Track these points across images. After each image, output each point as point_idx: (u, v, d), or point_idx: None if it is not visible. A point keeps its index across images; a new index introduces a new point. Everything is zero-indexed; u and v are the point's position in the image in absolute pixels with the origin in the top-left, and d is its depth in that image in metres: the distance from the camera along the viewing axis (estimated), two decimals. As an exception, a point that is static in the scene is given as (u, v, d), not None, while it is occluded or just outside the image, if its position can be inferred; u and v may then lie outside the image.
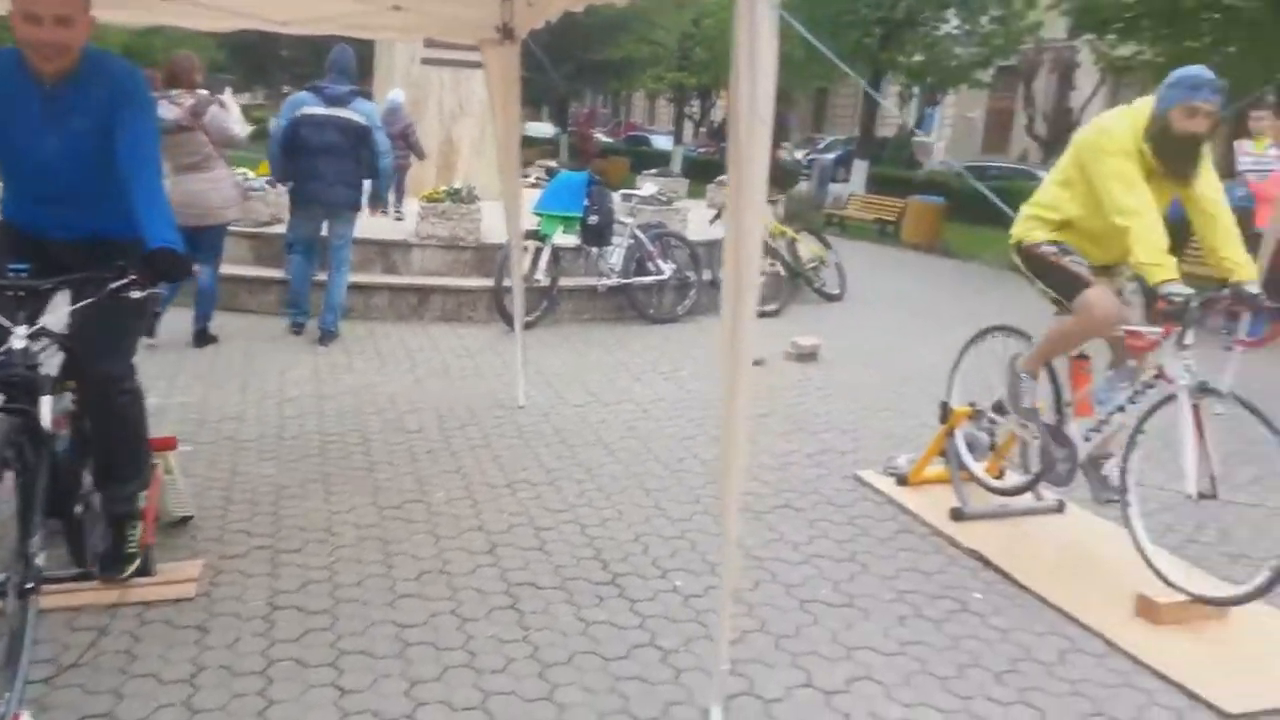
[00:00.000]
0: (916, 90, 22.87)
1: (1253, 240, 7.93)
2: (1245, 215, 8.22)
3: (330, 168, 6.17)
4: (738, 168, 2.39)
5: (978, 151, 30.04)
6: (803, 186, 20.99)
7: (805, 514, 4.17)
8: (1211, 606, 3.34)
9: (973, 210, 17.95)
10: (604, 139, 29.21)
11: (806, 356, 6.83)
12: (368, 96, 6.78)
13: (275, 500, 3.99)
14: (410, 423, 5.04)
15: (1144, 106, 3.49)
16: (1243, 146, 8.63)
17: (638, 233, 7.70)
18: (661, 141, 31.31)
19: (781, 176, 19.38)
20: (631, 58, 26.45)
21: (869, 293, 10.03)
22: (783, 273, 8.77)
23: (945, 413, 4.34)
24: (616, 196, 8.42)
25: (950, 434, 4.34)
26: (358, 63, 6.48)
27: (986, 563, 3.76)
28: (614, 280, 7.51)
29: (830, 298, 9.35)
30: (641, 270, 7.73)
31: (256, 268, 7.47)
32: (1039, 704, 2.86)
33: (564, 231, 7.19)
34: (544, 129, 32.92)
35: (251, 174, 8.06)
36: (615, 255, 7.56)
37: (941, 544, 3.94)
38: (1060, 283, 3.72)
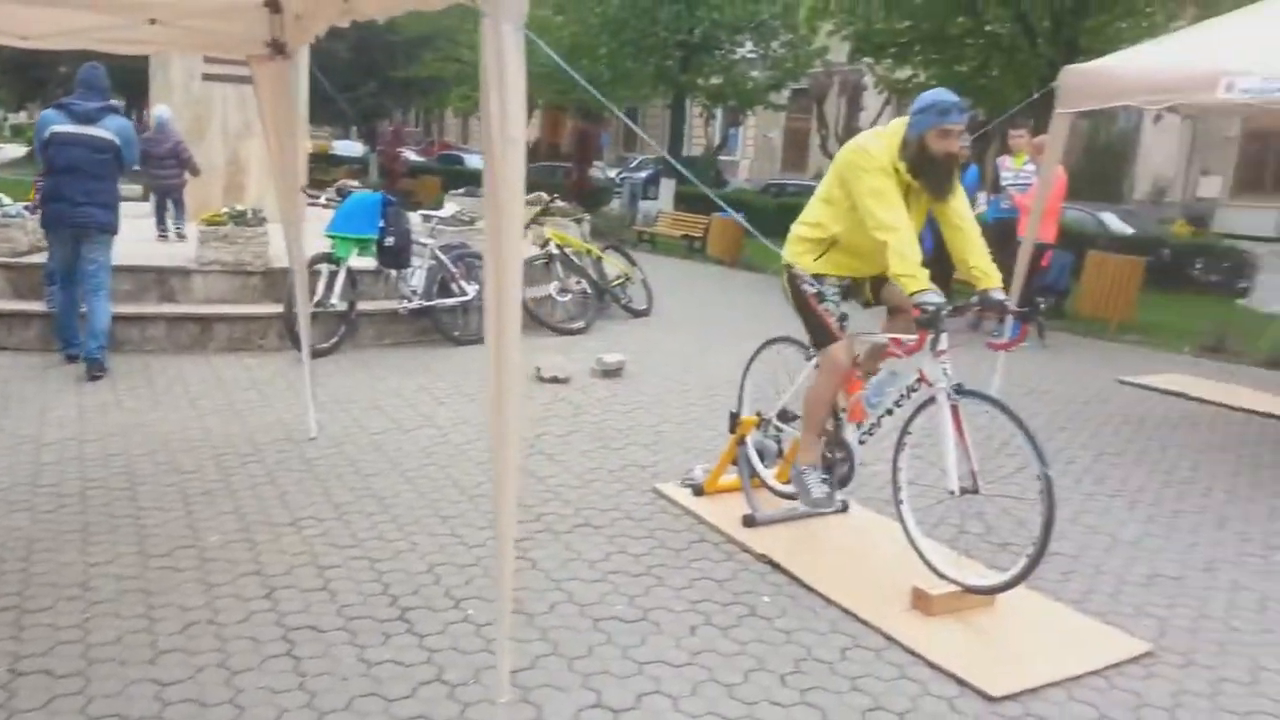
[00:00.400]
0: (718, 112, 23.64)
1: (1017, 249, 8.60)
2: (1011, 226, 8.94)
3: (78, 188, 5.76)
4: (494, 190, 2.36)
5: (777, 170, 31.37)
6: (615, 205, 21.35)
7: (604, 531, 4.17)
8: (979, 595, 3.56)
9: (771, 224, 18.74)
10: (415, 158, 28.63)
11: (612, 373, 6.87)
12: (121, 112, 6.34)
13: (26, 555, 3.63)
14: (185, 462, 4.71)
15: (897, 128, 3.71)
16: (1004, 163, 9.37)
17: (439, 253, 7.55)
18: (475, 160, 31.01)
19: (592, 195, 19.70)
20: (439, 76, 26.08)
21: (676, 307, 10.23)
22: (589, 290, 8.81)
23: (734, 423, 4.45)
24: (416, 217, 8.23)
25: (740, 443, 4.45)
26: (132, 79, 6.06)
27: (776, 566, 3.87)
28: (416, 303, 7.32)
29: (638, 313, 9.47)
30: (445, 292, 7.57)
31: (15, 301, 6.83)
32: (820, 703, 2.95)
33: (360, 254, 6.95)
34: (353, 148, 31.94)
35: (7, 200, 7.38)
36: (416, 277, 7.37)
37: (734, 551, 4.03)
38: (813, 327, 3.94)
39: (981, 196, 9.58)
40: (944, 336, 3.60)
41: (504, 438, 2.50)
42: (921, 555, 3.71)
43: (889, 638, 3.35)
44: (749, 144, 35.21)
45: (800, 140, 31.26)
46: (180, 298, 7.03)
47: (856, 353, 3.95)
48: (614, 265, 9.56)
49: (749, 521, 4.24)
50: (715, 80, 18.22)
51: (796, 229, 4.04)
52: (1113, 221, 15.75)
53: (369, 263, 7.22)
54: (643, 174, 23.10)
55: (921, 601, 3.55)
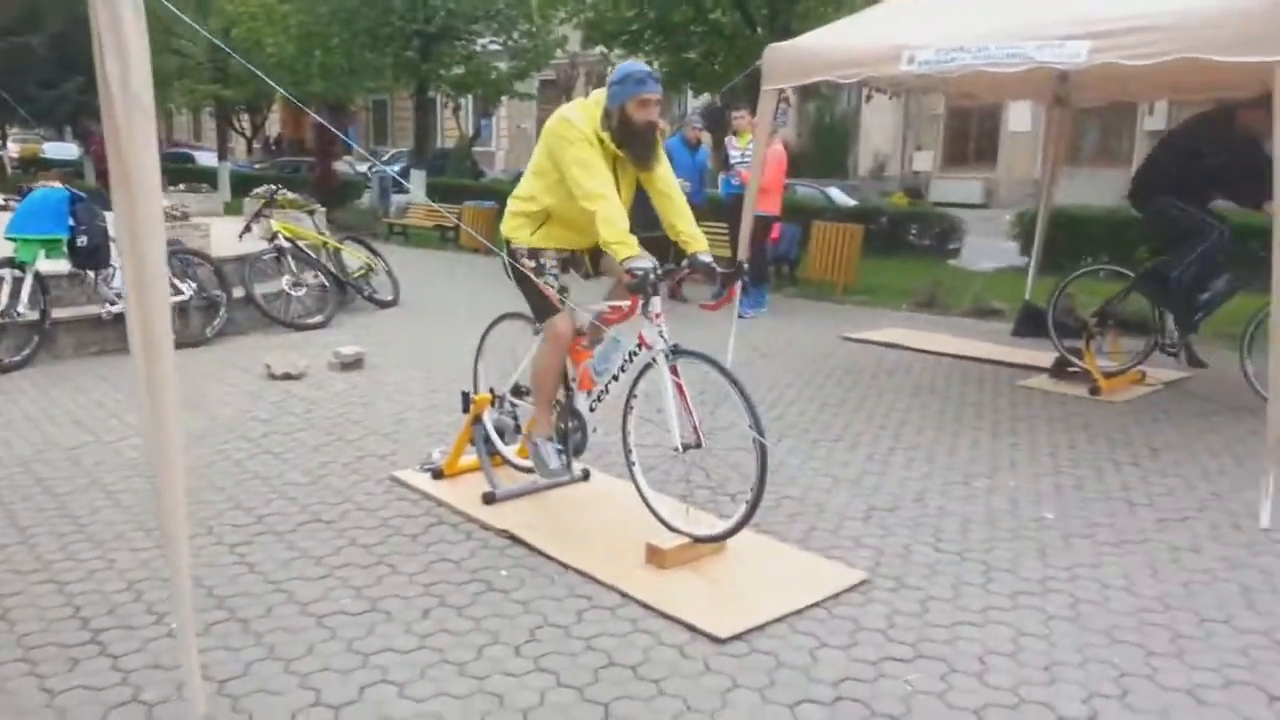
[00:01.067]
0: (463, 102, 23.29)
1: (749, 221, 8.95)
2: (741, 201, 9.32)
3: None
4: (121, 160, 2.12)
5: (533, 159, 31.33)
6: (367, 198, 20.54)
7: (334, 525, 3.95)
8: (708, 544, 3.66)
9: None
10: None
11: (351, 365, 6.57)
12: None
13: None
14: None
15: (599, 99, 3.73)
16: (731, 143, 9.76)
17: (144, 251, 6.90)
18: (208, 158, 29.01)
19: (337, 190, 18.86)
20: (159, 70, 24.00)
21: (425, 297, 9.96)
22: (327, 284, 8.40)
23: (466, 402, 4.35)
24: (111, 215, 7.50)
25: (476, 422, 4.35)
26: None
27: (515, 540, 3.81)
28: (120, 307, 6.65)
29: (384, 304, 9.14)
30: (157, 293, 6.94)
31: None
32: (554, 667, 2.91)
33: (48, 256, 6.22)
34: (67, 149, 29.07)
35: None
36: (119, 278, 6.70)
37: (474, 530, 3.93)
38: (534, 300, 3.92)
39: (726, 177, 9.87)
40: (656, 300, 3.67)
41: (164, 448, 2.27)
42: (654, 512, 3.77)
43: (625, 595, 3.37)
44: (503, 135, 35.04)
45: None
46: None
47: (579, 323, 3.95)
48: (355, 257, 9.17)
49: (489, 499, 4.15)
50: (458, 70, 17.89)
51: (511, 204, 3.99)
52: (838, 195, 16.90)
53: (63, 265, 6.49)
54: (395, 167, 22.40)
55: (655, 556, 3.60)
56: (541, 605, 3.30)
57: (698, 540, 3.64)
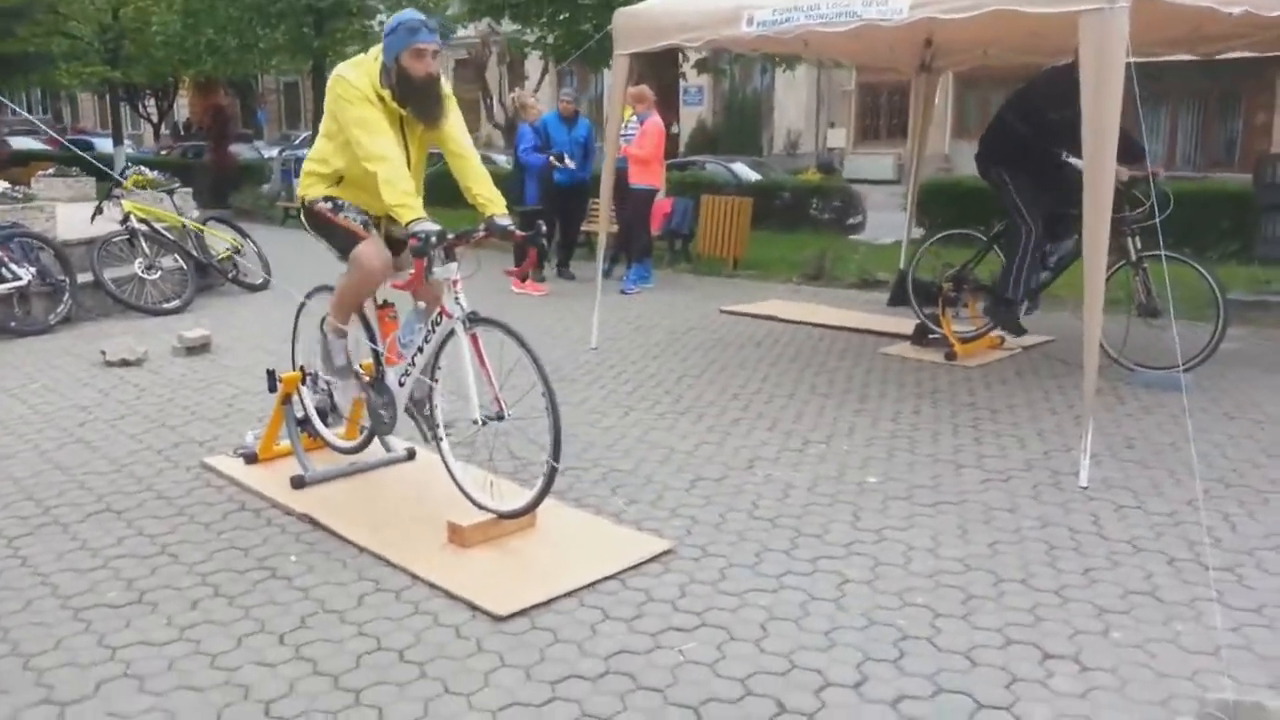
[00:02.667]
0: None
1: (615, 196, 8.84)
2: (624, 175, 9.22)
3: None
4: None
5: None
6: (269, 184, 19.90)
7: (125, 515, 3.75)
8: (513, 519, 3.54)
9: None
10: (34, 145, 25.27)
11: (196, 349, 6.31)
12: None
13: None
14: None
15: (376, 53, 3.56)
16: (616, 114, 9.62)
17: (-30, 235, 6.56)
18: (106, 145, 27.92)
19: (233, 174, 18.24)
20: (44, 51, 23.01)
21: (303, 279, 9.59)
22: (185, 267, 8.07)
23: (273, 381, 4.16)
24: None
25: (286, 401, 4.17)
26: None
27: (315, 524, 3.66)
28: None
29: (253, 288, 8.83)
30: (-6, 278, 6.61)
31: None
32: (316, 654, 2.77)
33: None
34: None
35: None
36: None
37: (275, 516, 3.77)
38: (337, 239, 3.75)
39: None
40: (452, 266, 3.54)
41: None
42: (461, 488, 3.64)
43: (414, 576, 3.24)
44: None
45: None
46: None
47: (387, 259, 3.75)
48: (220, 238, 8.84)
49: (298, 483, 3.98)
50: (353, 48, 17.38)
51: (306, 165, 3.82)
52: (743, 171, 16.86)
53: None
54: (303, 151, 21.72)
55: (456, 535, 3.48)
56: (322, 591, 3.16)
57: (502, 516, 3.53)
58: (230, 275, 8.64)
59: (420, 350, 3.74)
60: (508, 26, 14.24)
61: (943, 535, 3.59)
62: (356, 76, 3.49)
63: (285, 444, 4.28)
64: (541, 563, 3.37)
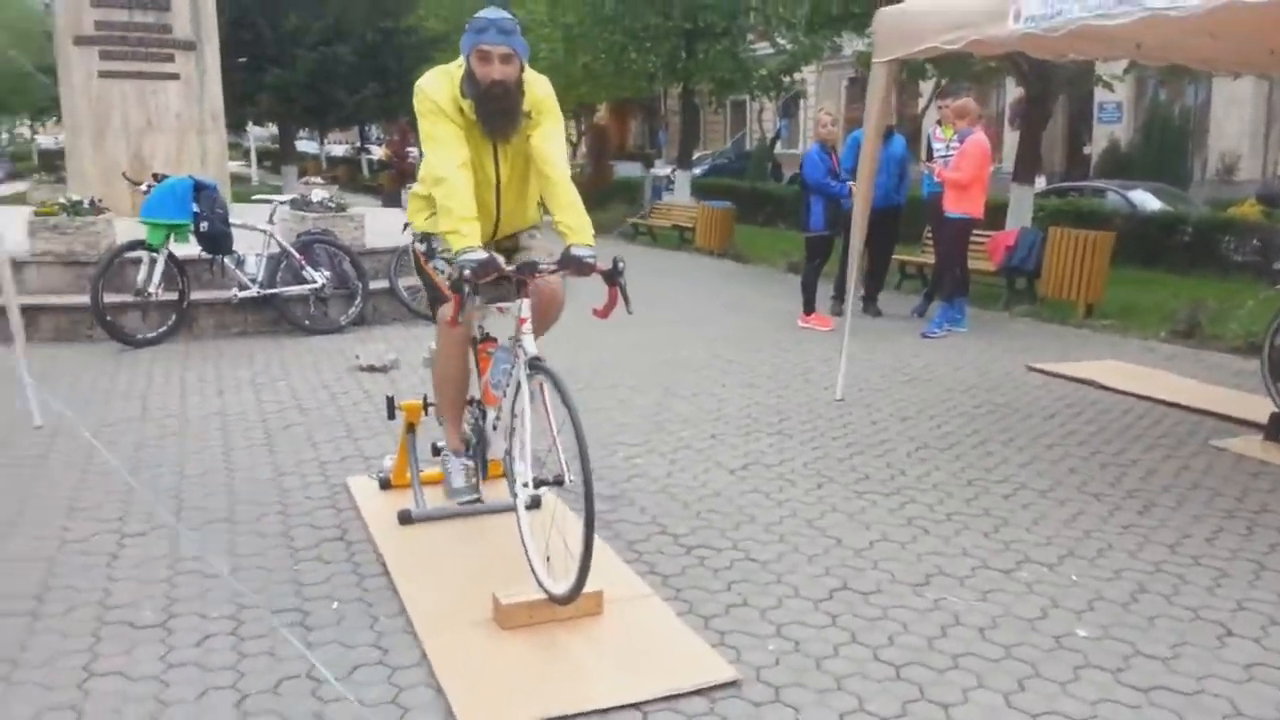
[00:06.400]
0: (725, 103, 22.71)
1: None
2: (938, 200, 8.11)
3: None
4: None
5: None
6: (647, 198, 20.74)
7: (238, 526, 3.73)
8: (565, 604, 2.96)
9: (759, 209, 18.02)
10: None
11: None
12: None
13: None
14: None
15: (461, 60, 3.17)
16: (936, 134, 8.53)
17: (279, 240, 7.22)
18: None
19: (611, 187, 19.19)
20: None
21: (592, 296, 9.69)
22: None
23: (391, 409, 3.93)
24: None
25: (410, 431, 3.94)
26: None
27: (385, 570, 3.36)
28: (253, 291, 7.01)
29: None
30: (298, 279, 7.25)
31: None
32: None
33: (175, 240, 6.66)
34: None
35: None
36: (252, 264, 7.06)
37: (358, 551, 3.53)
38: (429, 290, 3.47)
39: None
40: (526, 303, 3.08)
41: None
42: (528, 559, 3.14)
43: (423, 654, 2.81)
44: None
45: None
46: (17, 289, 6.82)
47: (471, 315, 3.41)
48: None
49: (404, 518, 3.73)
50: (722, 70, 17.43)
51: (415, 186, 3.54)
52: (1143, 199, 14.42)
53: (194, 250, 6.90)
54: (664, 170, 22.41)
55: (498, 613, 2.99)
56: (326, 652, 2.82)
57: (552, 599, 2.97)
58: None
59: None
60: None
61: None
62: (434, 87, 3.13)
63: (430, 472, 4.05)
64: (564, 669, 2.77)
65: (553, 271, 3.13)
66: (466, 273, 2.87)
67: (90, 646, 2.79)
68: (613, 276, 3.06)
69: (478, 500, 3.60)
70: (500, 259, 3.11)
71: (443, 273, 3.35)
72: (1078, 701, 2.63)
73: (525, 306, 3.09)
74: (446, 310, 3.29)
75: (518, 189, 3.36)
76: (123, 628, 2.91)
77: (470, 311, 3.12)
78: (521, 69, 3.15)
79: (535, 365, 3.00)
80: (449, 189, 3.02)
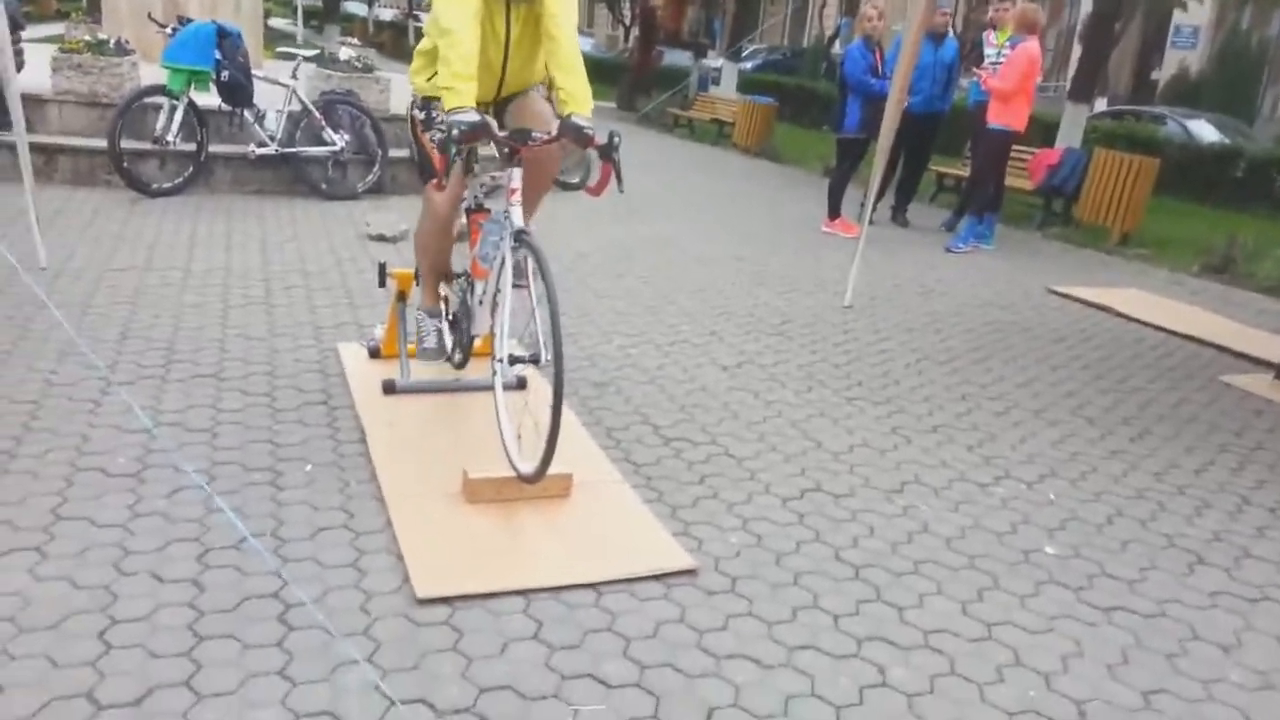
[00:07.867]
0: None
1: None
2: (982, 110, 7.80)
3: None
4: None
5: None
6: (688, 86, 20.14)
7: (225, 383, 3.74)
8: (531, 482, 2.97)
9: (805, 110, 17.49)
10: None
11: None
12: None
13: None
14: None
15: None
16: (989, 38, 8.15)
17: (300, 96, 7.06)
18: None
19: (653, 76, 18.61)
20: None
21: (634, 185, 9.52)
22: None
23: (383, 277, 3.90)
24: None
25: (400, 299, 3.91)
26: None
27: (363, 438, 3.38)
28: (271, 149, 6.90)
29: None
30: (318, 140, 7.12)
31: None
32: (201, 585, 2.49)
33: (196, 88, 6.51)
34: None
35: None
36: (272, 120, 6.92)
37: (339, 417, 3.55)
38: (421, 159, 3.38)
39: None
40: (516, 173, 3.00)
41: None
42: (501, 436, 3.13)
43: (387, 521, 2.84)
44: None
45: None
46: (38, 128, 6.77)
47: (459, 190, 3.35)
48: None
49: (388, 387, 3.73)
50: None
51: (421, 43, 3.41)
52: (1201, 130, 13.84)
53: (214, 99, 6.72)
54: (717, 63, 21.66)
55: (465, 486, 3.01)
56: (291, 511, 2.85)
57: (523, 478, 2.98)
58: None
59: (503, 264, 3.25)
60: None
61: (1093, 656, 2.44)
62: None
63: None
64: (524, 545, 2.80)
65: (547, 141, 3.04)
66: (456, 133, 2.79)
67: (61, 490, 2.83)
68: (608, 152, 2.96)
69: (446, 361, 3.61)
70: (494, 123, 3.01)
71: (436, 144, 3.26)
72: (1034, 615, 2.63)
73: (516, 176, 3.01)
74: (431, 186, 3.24)
75: (527, 50, 3.24)
76: (96, 474, 2.95)
77: (457, 177, 3.03)
78: None
79: (520, 238, 2.93)
80: (453, 40, 2.91)
